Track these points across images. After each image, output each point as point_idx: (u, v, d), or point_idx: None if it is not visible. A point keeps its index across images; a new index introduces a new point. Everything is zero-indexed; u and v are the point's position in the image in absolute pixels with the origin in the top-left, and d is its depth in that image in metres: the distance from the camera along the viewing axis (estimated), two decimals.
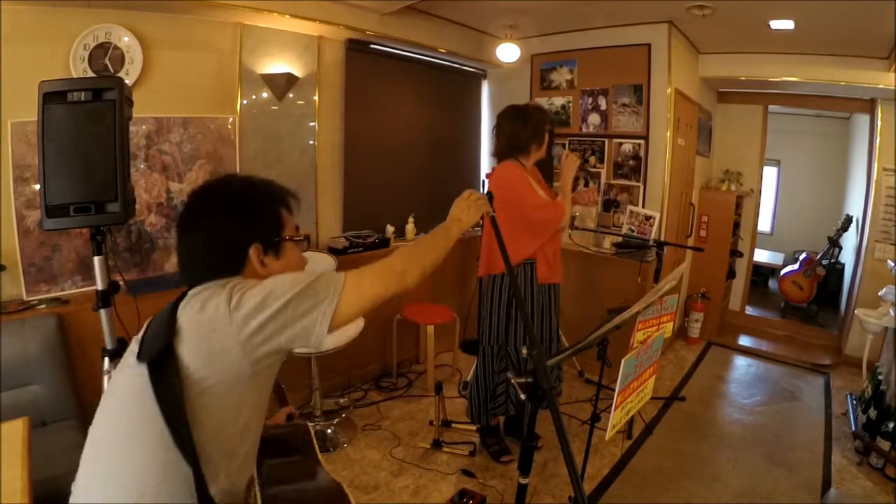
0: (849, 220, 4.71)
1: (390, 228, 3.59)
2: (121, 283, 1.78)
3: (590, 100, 3.82)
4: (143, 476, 0.82)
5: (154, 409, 0.82)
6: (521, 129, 2.36)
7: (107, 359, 1.70)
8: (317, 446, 1.26)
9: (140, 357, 0.87)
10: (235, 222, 0.97)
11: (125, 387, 0.89)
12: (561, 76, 3.94)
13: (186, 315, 0.87)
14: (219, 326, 0.84)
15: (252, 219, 0.99)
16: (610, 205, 3.83)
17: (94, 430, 0.90)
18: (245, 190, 1.02)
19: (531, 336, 1.08)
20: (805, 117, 5.91)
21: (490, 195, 1.44)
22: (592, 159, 3.84)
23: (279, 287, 0.87)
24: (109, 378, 1.67)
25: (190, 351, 0.84)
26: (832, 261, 5.07)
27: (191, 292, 0.92)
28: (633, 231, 3.63)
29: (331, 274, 0.93)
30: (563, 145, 3.94)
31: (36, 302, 2.19)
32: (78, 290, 2.33)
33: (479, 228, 2.94)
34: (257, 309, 0.84)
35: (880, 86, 3.51)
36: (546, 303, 2.46)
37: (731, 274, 4.78)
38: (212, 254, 0.96)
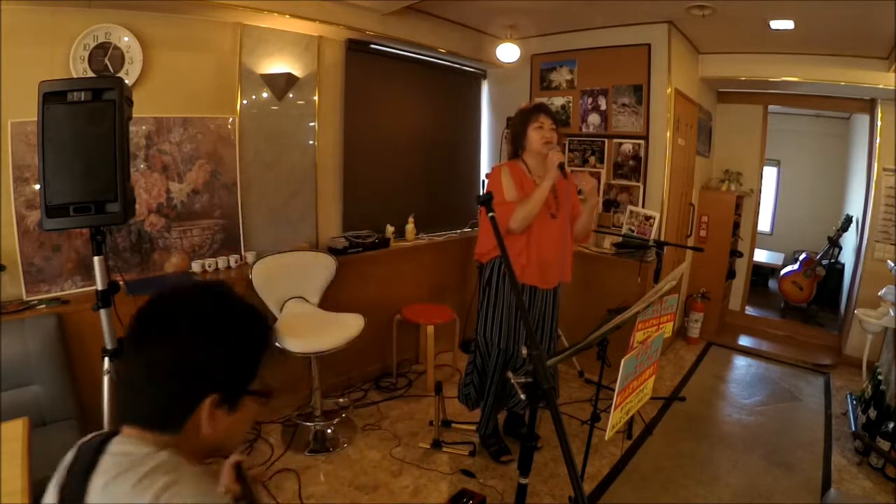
0: (849, 220, 4.71)
1: (390, 228, 3.59)
2: (121, 283, 1.79)
3: (590, 100, 3.82)
4: None
5: None
6: (512, 130, 2.49)
7: (107, 359, 1.70)
8: None
9: None
10: (203, 357, 0.74)
11: None
12: (561, 76, 3.94)
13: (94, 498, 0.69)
14: None
15: (227, 359, 0.76)
16: (610, 205, 3.84)
17: None
18: (228, 316, 0.79)
19: (531, 336, 1.08)
20: (805, 117, 5.91)
21: (490, 195, 1.44)
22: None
23: None
24: (110, 378, 1.68)
25: None
26: (832, 261, 5.07)
27: (110, 457, 0.71)
28: (633, 231, 3.63)
29: None
30: (564, 145, 3.94)
31: (36, 302, 2.19)
32: (78, 290, 2.34)
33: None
34: None
35: (880, 86, 3.51)
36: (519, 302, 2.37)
37: (731, 274, 4.78)
38: (154, 395, 0.74)
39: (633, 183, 3.71)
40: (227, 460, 0.97)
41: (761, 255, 6.04)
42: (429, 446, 2.65)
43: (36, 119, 1.51)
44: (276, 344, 0.80)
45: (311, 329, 2.59)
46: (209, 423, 0.75)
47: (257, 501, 0.96)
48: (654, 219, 3.55)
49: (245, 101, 2.84)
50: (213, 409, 0.74)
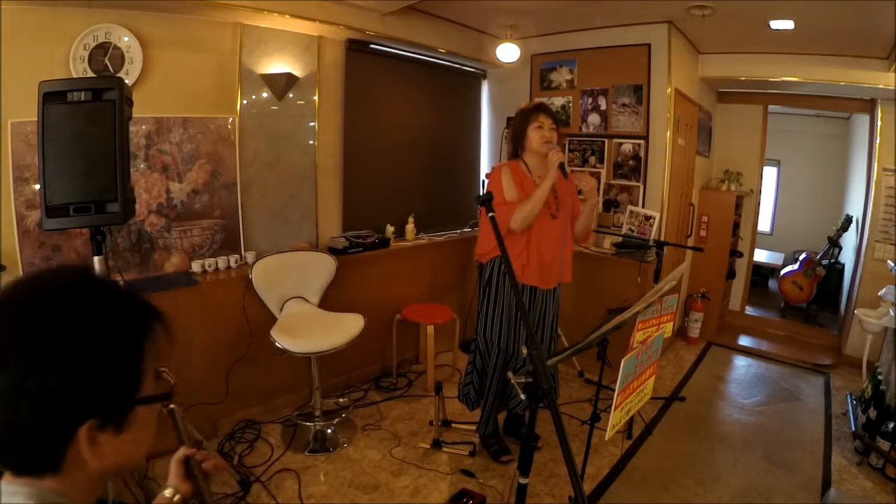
0: (849, 220, 4.71)
1: (390, 228, 3.59)
2: (121, 283, 1.78)
3: (590, 100, 3.82)
4: None
5: None
6: (512, 130, 2.50)
7: None
8: None
9: None
10: (50, 380, 0.54)
11: None
12: (561, 76, 3.94)
13: None
14: None
15: (86, 374, 0.56)
16: (610, 205, 3.84)
17: None
18: (78, 316, 0.57)
19: (531, 337, 1.08)
20: (805, 117, 5.91)
21: (490, 195, 1.45)
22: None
23: None
24: None
25: None
26: (832, 261, 5.07)
27: None
28: (632, 231, 3.63)
29: None
30: (564, 145, 3.94)
31: None
32: None
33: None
34: None
35: (880, 86, 3.51)
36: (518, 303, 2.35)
37: (731, 274, 4.78)
38: (5, 435, 0.56)
39: (633, 183, 3.71)
40: (174, 456, 0.85)
41: (761, 255, 6.04)
42: (429, 446, 2.65)
43: (36, 119, 1.51)
44: (166, 330, 0.65)
45: (311, 329, 2.59)
46: (94, 454, 0.58)
47: (211, 499, 0.86)
48: (654, 219, 3.55)
49: (245, 101, 2.84)
50: (95, 435, 0.58)
